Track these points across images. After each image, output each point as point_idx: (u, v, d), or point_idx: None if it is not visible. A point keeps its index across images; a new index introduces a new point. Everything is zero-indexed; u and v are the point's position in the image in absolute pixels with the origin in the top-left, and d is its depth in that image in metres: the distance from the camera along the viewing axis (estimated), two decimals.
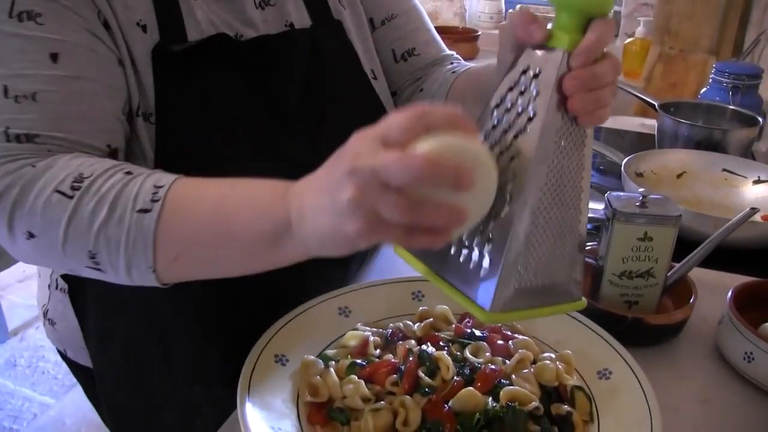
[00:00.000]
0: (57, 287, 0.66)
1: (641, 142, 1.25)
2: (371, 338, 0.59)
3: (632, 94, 1.24)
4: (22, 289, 2.19)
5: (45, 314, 0.70)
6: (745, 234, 0.78)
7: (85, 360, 0.68)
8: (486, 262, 0.41)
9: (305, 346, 0.59)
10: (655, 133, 1.18)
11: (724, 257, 0.74)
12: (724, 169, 1.00)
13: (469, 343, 0.58)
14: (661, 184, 0.99)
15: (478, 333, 0.60)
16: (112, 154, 0.52)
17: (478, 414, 0.50)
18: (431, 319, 0.62)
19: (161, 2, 0.54)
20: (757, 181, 0.97)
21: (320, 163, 0.40)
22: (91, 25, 0.51)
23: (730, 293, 0.65)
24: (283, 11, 0.64)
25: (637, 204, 0.65)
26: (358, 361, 0.56)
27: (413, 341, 0.58)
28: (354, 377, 0.54)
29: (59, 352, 0.73)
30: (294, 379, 0.56)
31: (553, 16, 0.41)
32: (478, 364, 0.54)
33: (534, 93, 0.41)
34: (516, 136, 0.41)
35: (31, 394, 1.78)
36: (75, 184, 0.45)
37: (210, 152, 0.57)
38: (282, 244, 0.43)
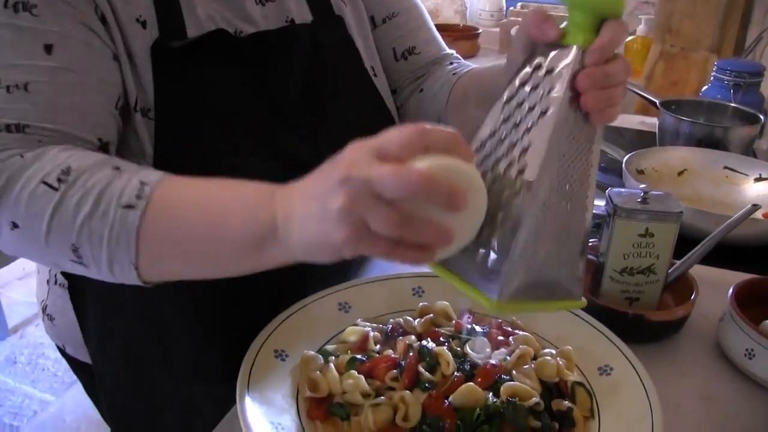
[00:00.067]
0: (56, 282, 0.66)
1: (642, 140, 1.24)
2: (371, 334, 0.59)
3: (633, 91, 1.23)
4: (22, 287, 2.19)
5: (44, 309, 0.70)
6: (746, 231, 0.78)
7: (84, 356, 0.68)
8: (495, 254, 0.41)
9: (305, 342, 0.59)
10: (656, 130, 1.17)
11: (725, 254, 0.74)
12: (726, 167, 0.99)
13: (470, 339, 0.58)
14: (662, 182, 0.99)
15: (478, 329, 0.60)
16: (103, 147, 0.52)
17: (478, 409, 0.50)
18: (431, 315, 0.61)
19: None
20: (759, 179, 0.97)
21: (320, 159, 0.40)
22: (87, 19, 0.51)
23: (731, 290, 0.65)
24: (283, 7, 0.63)
25: (639, 200, 0.65)
26: (358, 356, 0.56)
27: (413, 337, 0.58)
28: (354, 372, 0.53)
29: (58, 347, 0.72)
30: (294, 374, 0.56)
31: (565, 15, 0.42)
32: (479, 358, 0.54)
33: (547, 88, 0.41)
34: (528, 130, 0.41)
35: (31, 391, 1.78)
36: (62, 176, 0.45)
37: (209, 148, 0.57)
38: (267, 248, 0.42)
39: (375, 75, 0.70)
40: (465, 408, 0.50)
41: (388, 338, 0.59)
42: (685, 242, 0.69)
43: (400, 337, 0.58)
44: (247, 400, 0.51)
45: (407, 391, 0.51)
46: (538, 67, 0.42)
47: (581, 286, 0.46)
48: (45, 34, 0.48)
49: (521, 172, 0.41)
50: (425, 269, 0.69)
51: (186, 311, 0.63)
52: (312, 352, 0.57)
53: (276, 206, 0.42)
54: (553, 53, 0.42)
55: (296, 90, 0.62)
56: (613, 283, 0.67)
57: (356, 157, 0.36)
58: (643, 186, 0.66)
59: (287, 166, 0.49)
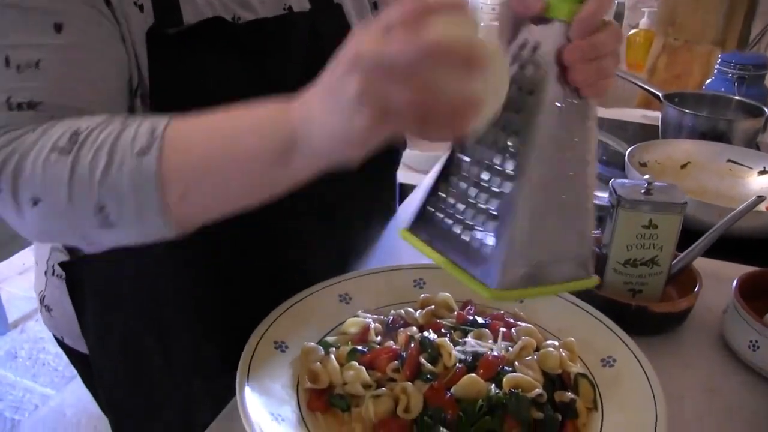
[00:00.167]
0: (53, 273, 0.65)
1: (644, 134, 1.23)
2: (372, 325, 0.58)
3: (636, 84, 1.23)
4: (22, 281, 2.19)
5: (42, 301, 0.69)
6: (750, 223, 0.77)
7: (82, 347, 0.68)
8: (490, 240, 0.40)
9: (305, 333, 0.58)
10: (659, 124, 1.17)
11: (728, 247, 0.73)
12: (729, 160, 0.99)
13: (472, 330, 0.57)
14: (665, 175, 0.98)
15: (480, 320, 0.59)
16: None
17: (480, 400, 0.49)
18: (433, 307, 0.61)
19: None
20: (763, 172, 0.96)
21: None
22: (95, 1, 0.50)
23: (735, 282, 0.65)
24: None
25: (642, 191, 0.64)
26: (359, 347, 0.55)
27: (415, 328, 0.58)
28: (355, 363, 0.53)
29: (56, 338, 0.72)
30: (294, 365, 0.55)
31: None
32: (481, 347, 0.54)
33: (533, 67, 0.40)
34: (517, 112, 0.40)
35: (32, 385, 1.78)
36: (72, 138, 0.44)
37: None
38: (291, 158, 0.41)
39: None
40: (467, 399, 0.50)
41: (389, 330, 0.59)
42: (688, 235, 0.68)
43: (402, 329, 0.58)
44: (247, 390, 0.50)
45: (409, 383, 0.51)
46: (524, 45, 0.41)
47: (592, 264, 0.44)
48: (54, 13, 0.48)
49: (512, 155, 0.40)
50: (426, 260, 0.68)
51: (186, 309, 0.63)
52: (312, 344, 0.56)
53: (292, 114, 0.40)
54: (538, 28, 0.41)
55: (294, 77, 0.61)
56: (617, 275, 0.66)
57: (362, 40, 0.35)
58: (647, 177, 0.65)
59: None
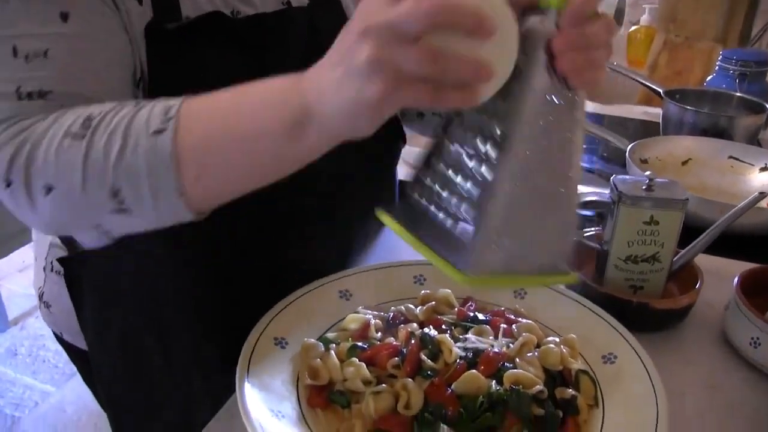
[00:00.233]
0: (52, 269, 0.65)
1: (645, 131, 1.23)
2: (372, 321, 0.58)
3: (637, 81, 1.22)
4: (22, 278, 2.19)
5: (40, 297, 0.69)
6: (752, 220, 0.77)
7: (82, 343, 0.67)
8: (468, 226, 0.40)
9: (305, 329, 0.58)
10: (660, 120, 1.16)
11: (730, 244, 0.73)
12: (731, 156, 0.98)
13: (472, 327, 0.57)
14: (666, 171, 0.98)
15: (481, 317, 0.59)
16: None
17: (481, 397, 0.49)
18: (433, 303, 0.61)
19: None
20: (764, 169, 0.96)
21: None
22: None
23: (736, 279, 0.64)
24: None
25: (644, 187, 0.64)
26: (359, 343, 0.55)
27: (415, 324, 0.57)
28: (355, 360, 0.53)
29: (55, 334, 0.72)
30: (294, 362, 0.55)
31: None
32: (482, 344, 0.54)
33: (522, 54, 0.40)
34: (504, 99, 0.40)
35: (32, 382, 1.78)
36: (85, 123, 0.44)
37: None
38: (304, 132, 0.41)
39: None
40: (468, 396, 0.50)
41: (390, 326, 0.59)
42: (689, 232, 0.68)
43: (402, 325, 0.57)
44: (247, 387, 0.50)
45: (409, 379, 0.51)
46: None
47: (570, 261, 0.44)
48: (60, 2, 0.47)
49: (494, 140, 0.40)
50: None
51: (186, 309, 0.62)
52: (312, 340, 0.56)
53: (304, 86, 0.40)
54: (530, 17, 0.40)
55: (293, 72, 0.61)
56: (618, 271, 0.66)
57: (370, 9, 0.35)
58: (648, 173, 0.65)
59: None
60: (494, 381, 0.51)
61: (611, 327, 0.59)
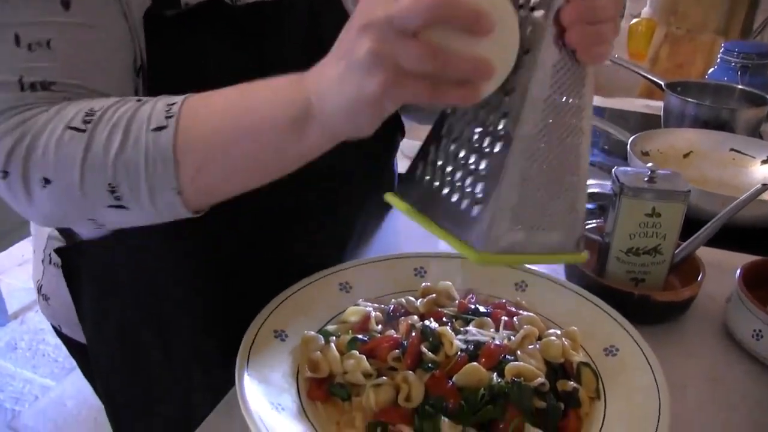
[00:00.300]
0: (50, 262, 0.65)
1: (646, 123, 1.23)
2: (373, 314, 0.58)
3: (638, 73, 1.22)
4: (22, 272, 2.19)
5: (39, 290, 0.69)
6: (753, 212, 0.76)
7: (80, 336, 0.67)
8: (478, 203, 0.40)
9: (305, 322, 0.58)
10: (661, 113, 1.16)
11: (732, 236, 0.73)
12: (732, 149, 0.98)
13: (473, 319, 0.57)
14: (667, 164, 0.97)
15: (482, 309, 0.59)
16: None
17: (482, 389, 0.49)
18: (434, 295, 0.60)
19: None
20: (766, 161, 0.95)
21: None
22: None
23: (739, 271, 0.64)
24: None
25: (646, 179, 0.63)
26: (360, 336, 0.55)
27: (416, 317, 0.57)
28: (355, 352, 0.52)
29: (54, 328, 0.72)
30: (294, 354, 0.55)
31: None
32: (483, 336, 0.53)
33: (531, 26, 0.39)
34: (513, 71, 0.39)
35: (32, 376, 1.79)
36: (87, 117, 0.44)
37: None
38: (306, 129, 0.41)
39: None
40: (469, 388, 0.49)
41: (390, 318, 0.58)
42: (691, 224, 0.68)
43: (402, 317, 0.57)
44: (246, 379, 0.50)
45: (410, 372, 0.51)
46: (522, 4, 0.40)
47: (581, 240, 0.44)
48: None
49: (504, 116, 0.40)
50: (427, 249, 0.67)
51: (185, 303, 0.62)
52: (312, 333, 0.56)
53: (306, 83, 0.41)
54: None
55: (293, 61, 0.60)
56: (619, 264, 0.66)
57: (371, 5, 0.36)
58: (650, 165, 0.64)
59: None
60: (495, 373, 0.50)
61: (613, 319, 0.59)
